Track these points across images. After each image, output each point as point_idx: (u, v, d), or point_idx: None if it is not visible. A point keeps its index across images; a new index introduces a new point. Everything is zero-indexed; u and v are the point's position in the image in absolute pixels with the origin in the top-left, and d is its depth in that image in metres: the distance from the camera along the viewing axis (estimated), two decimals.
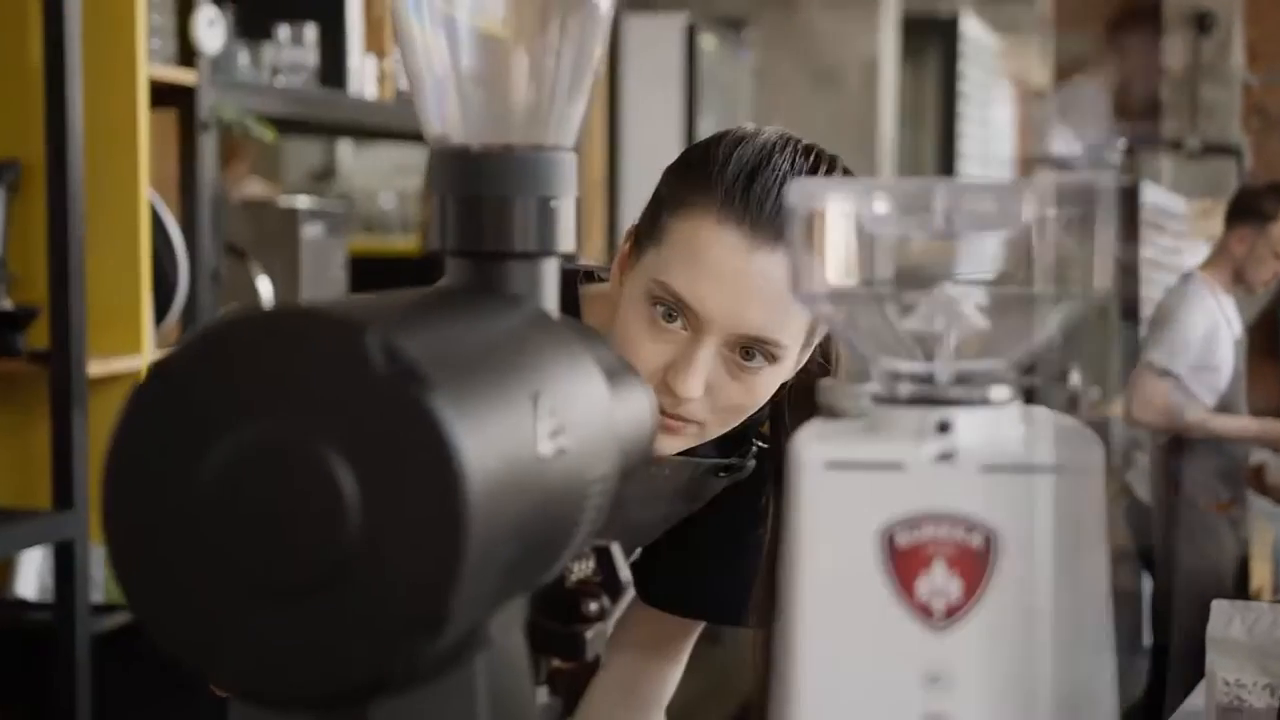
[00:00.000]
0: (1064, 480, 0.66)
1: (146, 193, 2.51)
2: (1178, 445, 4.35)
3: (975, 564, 0.66)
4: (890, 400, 0.70)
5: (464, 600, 0.61)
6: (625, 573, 0.83)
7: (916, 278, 0.71)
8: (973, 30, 7.51)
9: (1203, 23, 9.25)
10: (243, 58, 2.94)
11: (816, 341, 1.32)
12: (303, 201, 3.24)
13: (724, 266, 1.21)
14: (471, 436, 0.60)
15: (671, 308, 1.23)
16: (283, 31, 3.03)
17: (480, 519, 0.60)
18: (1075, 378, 6.01)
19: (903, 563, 0.67)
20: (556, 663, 0.82)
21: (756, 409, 1.28)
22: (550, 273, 0.80)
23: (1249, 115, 9.66)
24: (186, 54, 2.67)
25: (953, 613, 0.67)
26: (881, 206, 0.69)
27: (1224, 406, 4.33)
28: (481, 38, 0.80)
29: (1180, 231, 7.26)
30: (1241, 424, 4.35)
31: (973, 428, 0.68)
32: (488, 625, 0.69)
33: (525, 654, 0.74)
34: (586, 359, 0.76)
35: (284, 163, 5.48)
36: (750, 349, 1.23)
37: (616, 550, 0.84)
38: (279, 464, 0.60)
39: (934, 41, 7.25)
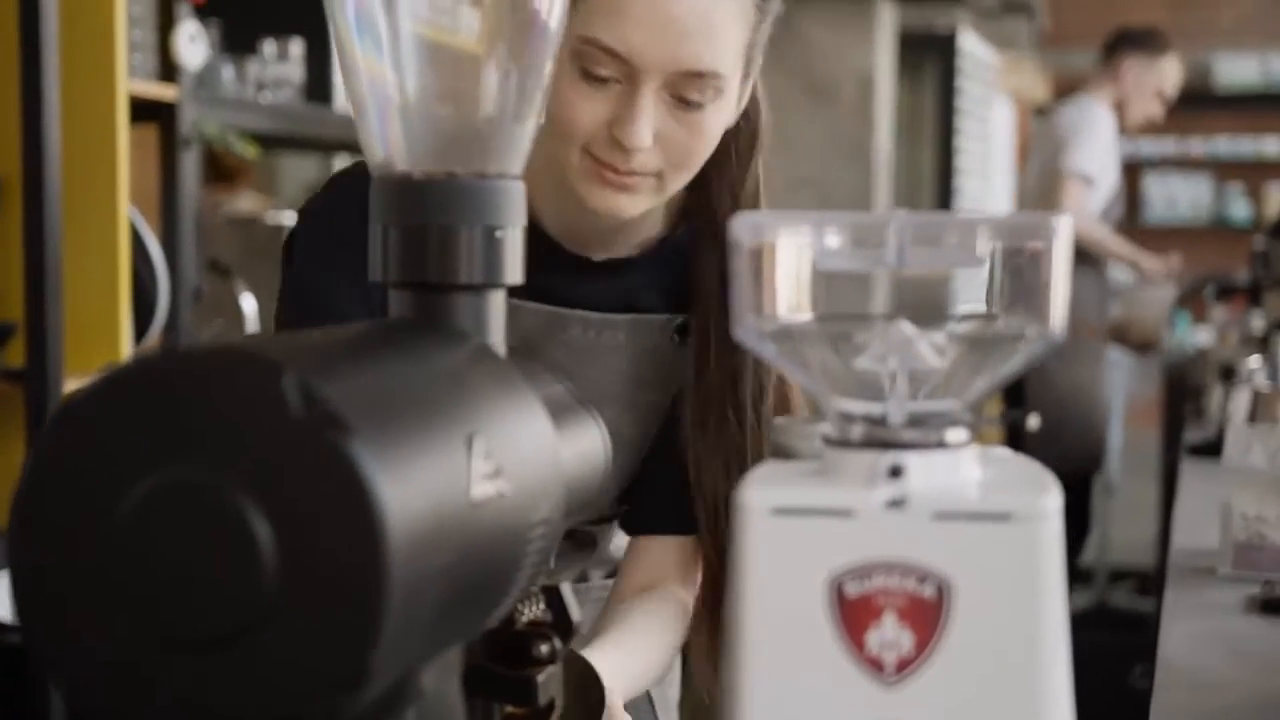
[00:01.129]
0: (1020, 528, 0.63)
1: (126, 209, 2.48)
2: None
3: (928, 616, 0.63)
4: (842, 443, 0.67)
5: (387, 654, 0.58)
6: (576, 612, 0.80)
7: (869, 314, 0.68)
8: (970, 45, 7.48)
9: None
10: (227, 73, 2.92)
11: (754, 73, 1.29)
12: (290, 218, 3.22)
13: (647, 6, 1.17)
14: (394, 483, 0.57)
15: (602, 63, 1.19)
16: (268, 47, 3.01)
17: (403, 569, 0.57)
18: None
19: (852, 614, 0.64)
20: (509, 709, 0.79)
21: (709, 152, 1.25)
22: (497, 305, 0.78)
23: None
24: (168, 70, 2.64)
25: (904, 667, 0.64)
26: (833, 240, 0.66)
27: (1103, 218, 4.42)
28: (425, 61, 0.78)
29: (990, 82, 7.37)
30: (1122, 246, 4.44)
31: (926, 472, 0.65)
32: (419, 676, 0.66)
33: (461, 704, 0.71)
34: (531, 397, 0.73)
35: (279, 176, 5.47)
36: (690, 87, 1.20)
37: (567, 590, 0.81)
38: (192, 510, 0.57)
39: (932, 57, 7.22)
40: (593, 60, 1.18)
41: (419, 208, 0.76)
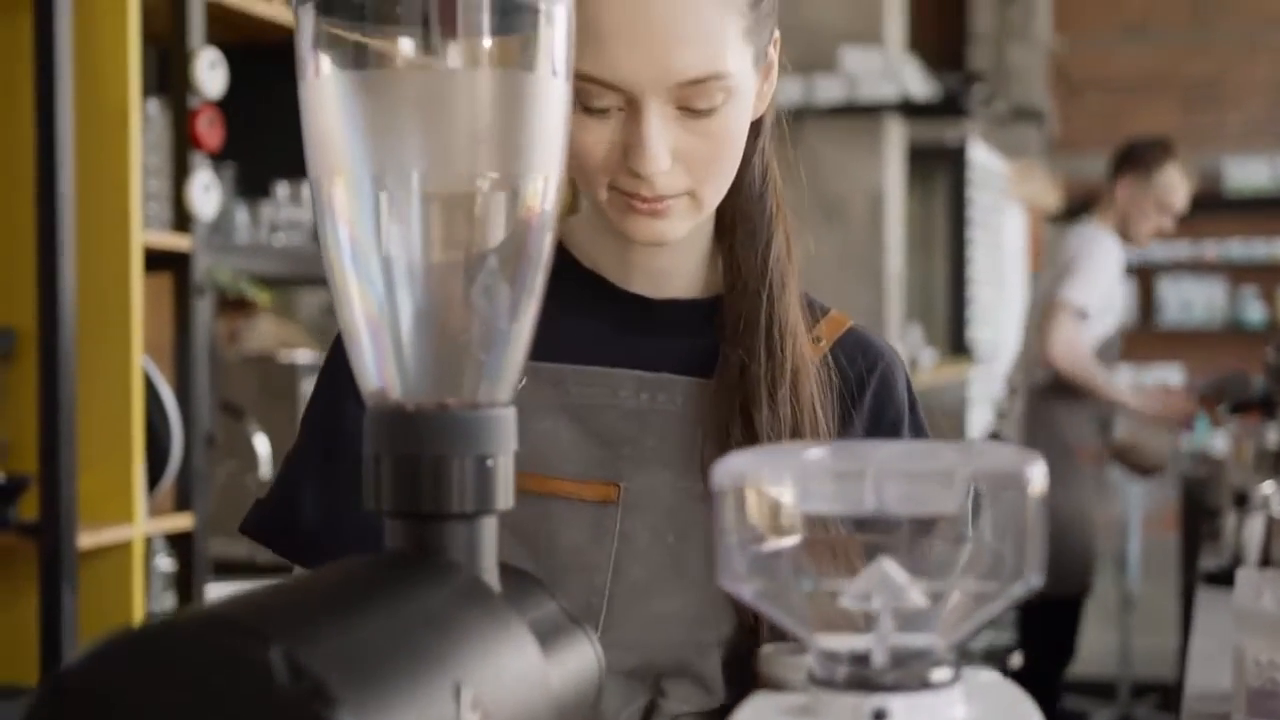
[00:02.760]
0: None
1: (140, 360, 2.50)
2: (1056, 386, 4.36)
3: None
4: (826, 683, 0.68)
5: None
6: None
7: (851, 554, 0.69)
8: (980, 156, 7.53)
9: None
10: (241, 216, 2.96)
11: (773, 53, 1.20)
12: (303, 356, 3.24)
13: (624, 24, 1.09)
14: None
15: (597, 96, 1.11)
16: (281, 189, 3.05)
17: None
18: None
19: None
20: None
21: (737, 155, 1.17)
22: (489, 531, 0.79)
23: (1054, 80, 9.72)
24: (183, 219, 2.68)
25: None
26: (812, 486, 0.67)
27: (1102, 352, 4.38)
28: (419, 294, 0.79)
29: (1001, 190, 7.39)
30: (1111, 387, 4.41)
31: (910, 715, 0.66)
32: None
33: None
34: (520, 628, 0.74)
35: (296, 302, 5.51)
36: (695, 97, 1.11)
37: None
38: None
39: (942, 168, 7.27)
40: (587, 95, 1.11)
41: (412, 439, 0.77)
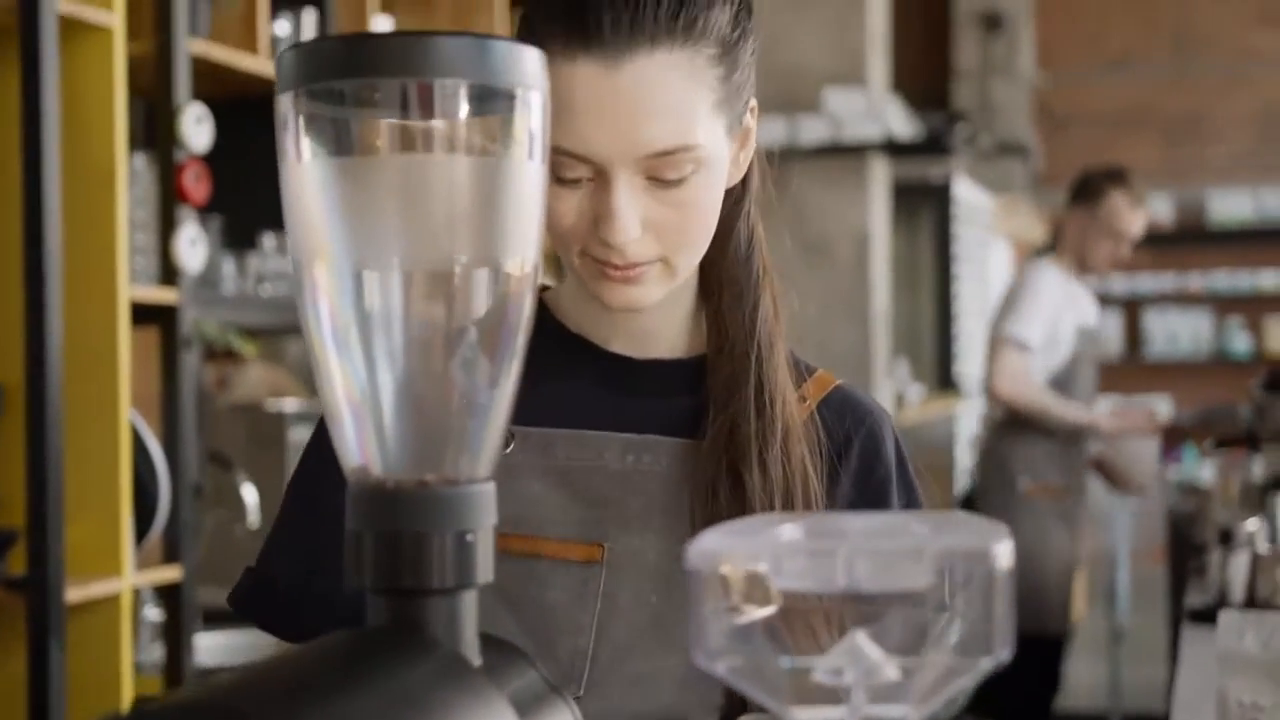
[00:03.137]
0: None
1: (127, 414, 2.51)
2: (1011, 423, 4.36)
3: None
4: None
5: None
6: None
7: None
8: (965, 192, 7.58)
9: (992, 23, 9.38)
10: (228, 268, 2.97)
11: (749, 121, 1.22)
12: (290, 404, 3.25)
13: (593, 99, 1.10)
14: None
15: (568, 167, 1.13)
16: (268, 240, 3.07)
17: None
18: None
19: None
20: None
21: (710, 223, 1.18)
22: (469, 605, 0.80)
23: (1038, 115, 9.79)
24: (169, 272, 2.69)
25: None
26: (786, 564, 0.69)
27: (1056, 386, 4.39)
28: (398, 372, 0.81)
29: (986, 225, 7.40)
30: (1067, 410, 4.37)
31: None
32: None
33: None
34: (500, 703, 0.76)
35: (285, 346, 5.52)
36: (664, 168, 1.12)
37: None
38: None
39: (927, 205, 7.31)
40: (559, 165, 1.13)
41: (393, 516, 0.79)
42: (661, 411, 1.26)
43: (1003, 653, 0.68)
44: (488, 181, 0.80)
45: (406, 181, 0.79)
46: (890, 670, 0.69)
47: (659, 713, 1.19)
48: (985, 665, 0.69)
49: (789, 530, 0.72)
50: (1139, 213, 4.43)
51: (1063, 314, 4.35)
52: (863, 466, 1.28)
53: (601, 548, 1.20)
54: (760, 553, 0.70)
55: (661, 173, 1.13)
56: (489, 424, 0.82)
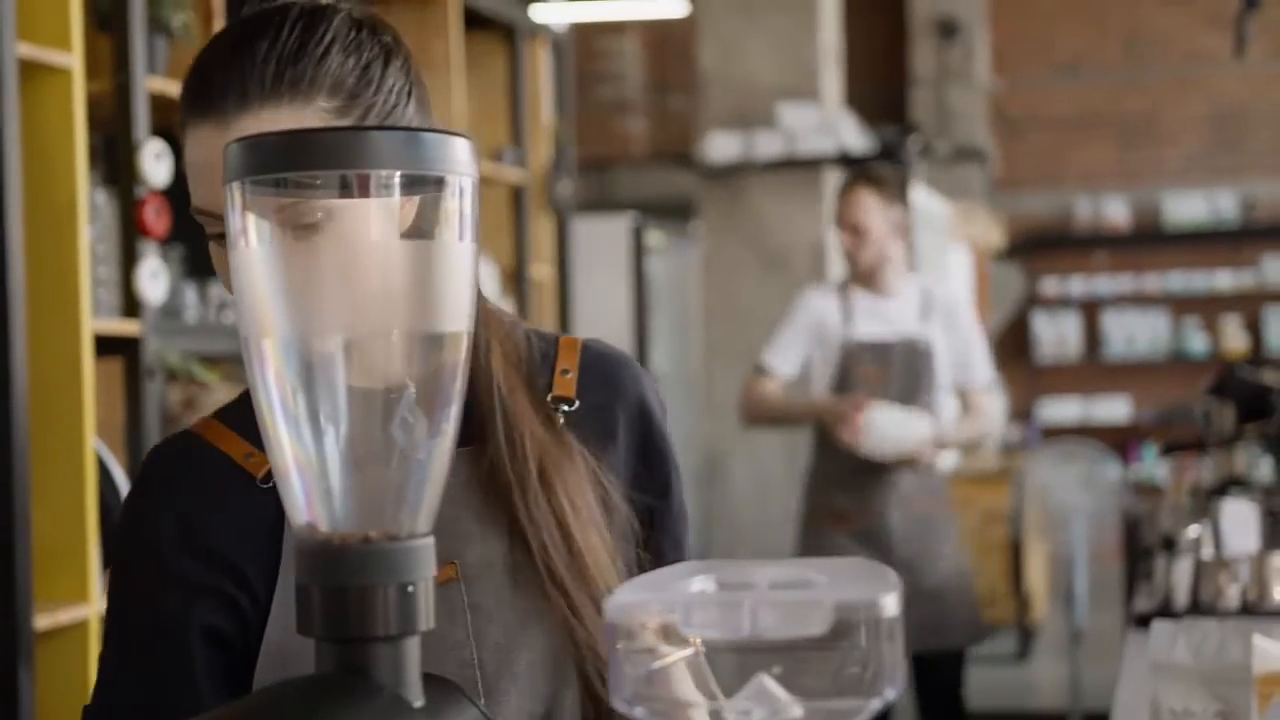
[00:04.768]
0: None
1: (92, 443, 2.57)
2: (811, 461, 4.25)
3: None
4: None
5: None
6: None
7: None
8: (922, 199, 7.66)
9: (947, 30, 9.47)
10: (190, 296, 3.03)
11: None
12: None
13: (209, 157, 1.19)
14: None
15: (210, 224, 1.21)
16: None
17: None
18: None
19: None
20: None
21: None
22: (412, 650, 0.86)
23: (994, 121, 9.90)
24: (131, 305, 2.75)
25: None
26: (695, 615, 0.76)
27: (844, 382, 4.13)
28: (341, 438, 0.87)
29: (944, 230, 7.40)
30: (804, 402, 4.21)
31: None
32: None
33: None
34: None
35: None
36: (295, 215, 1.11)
37: None
38: None
39: None
40: (206, 225, 1.22)
41: (339, 570, 0.85)
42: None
43: (890, 692, 0.75)
44: (422, 261, 0.86)
45: (346, 263, 0.86)
46: (794, 710, 0.76)
47: (549, 697, 1.26)
48: (875, 704, 0.76)
49: (699, 584, 0.79)
50: (842, 198, 4.16)
51: (824, 333, 4.13)
52: (632, 428, 1.34)
53: (454, 565, 1.26)
54: (673, 604, 0.77)
55: (296, 222, 1.07)
56: (428, 481, 0.88)
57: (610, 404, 1.34)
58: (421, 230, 0.86)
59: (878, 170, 4.26)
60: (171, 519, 1.25)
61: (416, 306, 0.86)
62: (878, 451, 4.01)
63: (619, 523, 1.29)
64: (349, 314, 0.86)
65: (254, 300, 0.87)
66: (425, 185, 0.86)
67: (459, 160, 0.86)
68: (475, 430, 1.28)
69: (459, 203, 0.86)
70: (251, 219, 0.86)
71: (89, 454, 2.55)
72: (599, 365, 1.35)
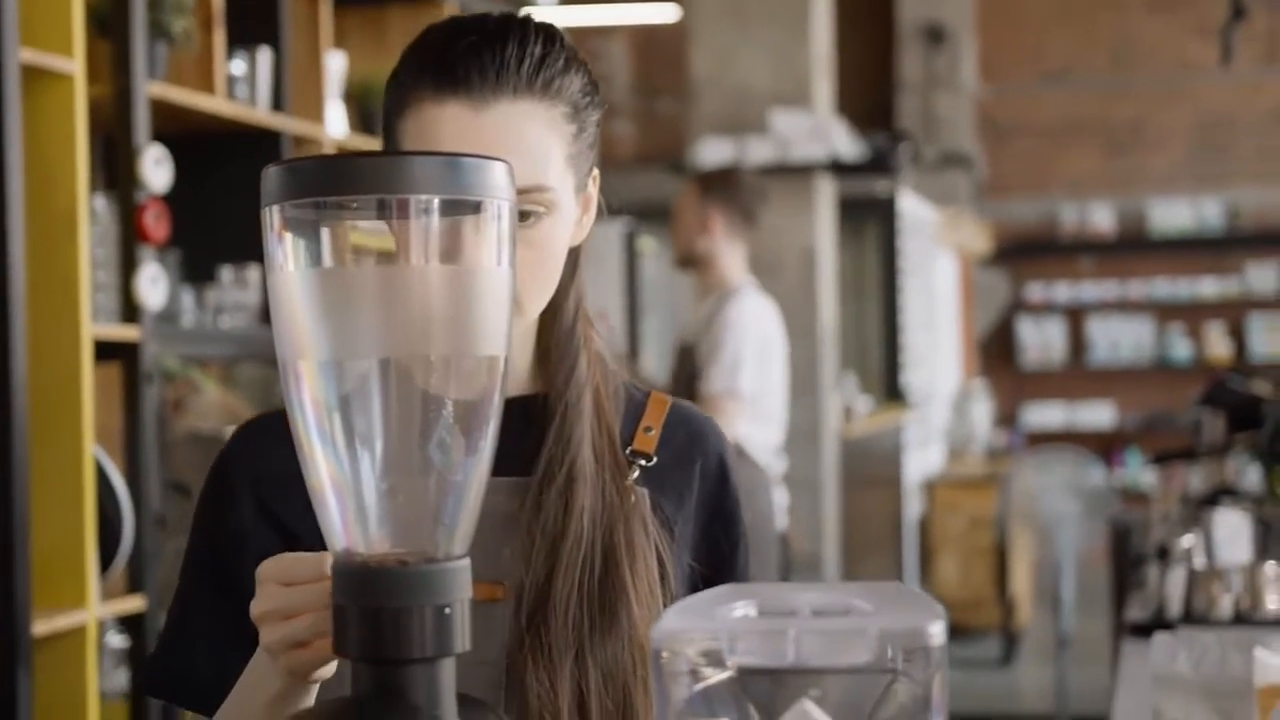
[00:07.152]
0: None
1: (91, 449, 2.56)
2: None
3: None
4: None
5: None
6: None
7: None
8: (910, 206, 7.68)
9: (935, 36, 9.48)
10: (188, 300, 3.02)
11: (592, 189, 1.29)
12: None
13: (457, 135, 1.19)
14: None
15: None
16: (226, 274, 3.12)
17: None
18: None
19: None
20: None
21: (557, 269, 1.25)
22: (448, 671, 0.87)
23: (982, 127, 9.92)
24: (131, 310, 2.74)
25: None
26: (740, 642, 0.76)
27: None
28: (378, 461, 0.87)
29: (932, 236, 7.37)
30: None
31: None
32: None
33: None
34: None
35: (237, 373, 5.53)
36: (521, 202, 1.17)
37: None
38: None
39: (873, 220, 7.41)
40: None
41: (376, 593, 0.86)
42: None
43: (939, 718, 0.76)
44: (459, 285, 0.87)
45: (384, 287, 0.86)
46: None
47: None
48: None
49: (742, 610, 0.79)
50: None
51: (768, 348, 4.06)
52: (709, 490, 1.35)
53: (503, 586, 1.25)
54: (718, 632, 0.77)
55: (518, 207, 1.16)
56: (465, 502, 0.89)
57: (688, 464, 1.34)
58: (459, 254, 0.86)
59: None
60: (248, 486, 1.28)
61: (453, 329, 0.87)
62: None
63: (669, 576, 1.29)
64: (385, 336, 0.86)
65: (290, 324, 0.87)
66: (463, 209, 0.86)
67: (497, 185, 0.87)
68: (533, 459, 1.27)
69: (497, 226, 0.86)
70: (288, 242, 0.86)
71: (88, 459, 2.55)
72: (683, 425, 1.36)
